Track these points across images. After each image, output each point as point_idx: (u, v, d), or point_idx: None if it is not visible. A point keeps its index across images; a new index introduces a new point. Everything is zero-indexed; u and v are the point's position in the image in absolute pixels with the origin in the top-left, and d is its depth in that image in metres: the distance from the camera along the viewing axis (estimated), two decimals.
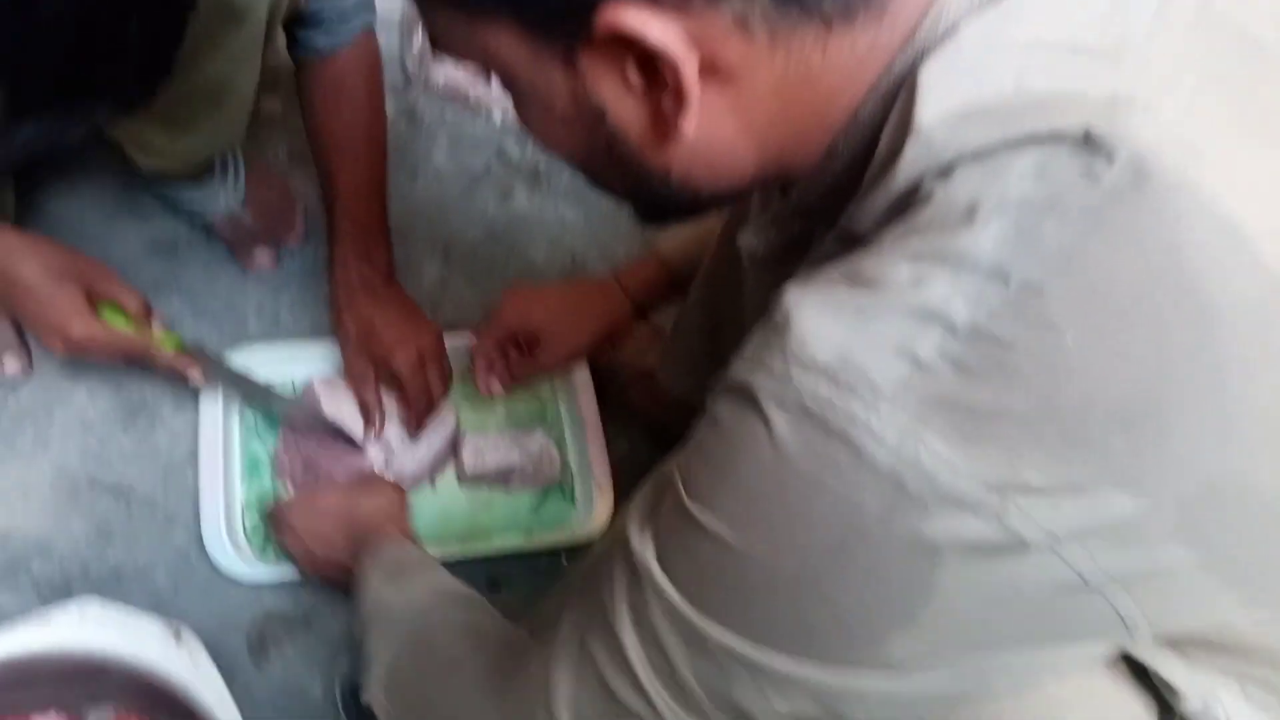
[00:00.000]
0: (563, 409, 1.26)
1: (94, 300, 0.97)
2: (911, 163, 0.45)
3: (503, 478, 1.17)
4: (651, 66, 0.45)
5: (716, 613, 0.49)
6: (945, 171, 0.44)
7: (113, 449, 1.12)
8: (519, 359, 1.15)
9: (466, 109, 1.52)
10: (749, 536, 0.46)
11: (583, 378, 1.24)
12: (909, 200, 0.46)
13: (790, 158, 0.52)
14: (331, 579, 1.00)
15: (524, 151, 1.51)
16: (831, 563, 0.45)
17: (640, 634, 0.52)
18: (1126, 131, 0.43)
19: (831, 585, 0.45)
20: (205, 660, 0.87)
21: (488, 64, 0.50)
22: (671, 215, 0.59)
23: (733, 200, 0.55)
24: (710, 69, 0.46)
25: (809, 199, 0.54)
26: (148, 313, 1.00)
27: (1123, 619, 0.46)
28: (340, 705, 1.02)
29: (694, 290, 1.04)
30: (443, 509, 1.16)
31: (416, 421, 1.15)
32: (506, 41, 0.48)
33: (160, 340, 1.01)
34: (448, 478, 1.19)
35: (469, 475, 1.16)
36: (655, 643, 0.51)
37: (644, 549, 0.51)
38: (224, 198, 1.25)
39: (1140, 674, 0.67)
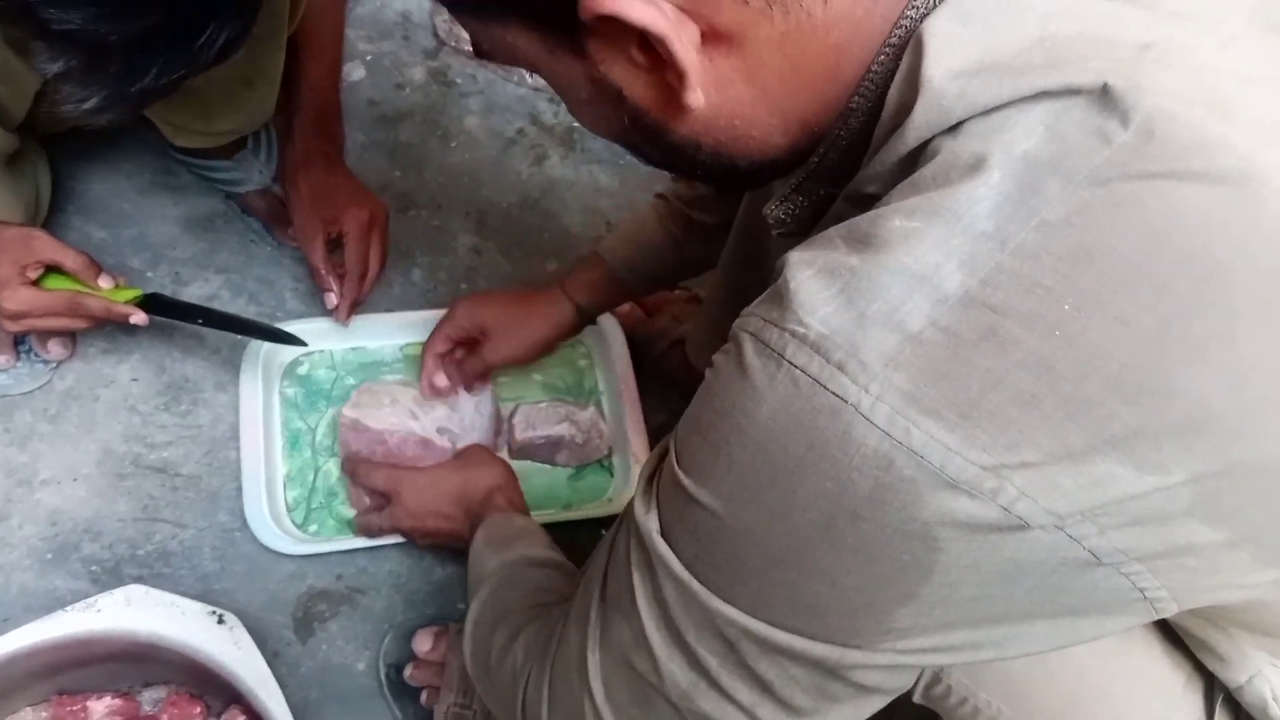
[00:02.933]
0: (600, 380, 1.25)
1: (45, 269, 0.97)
2: (922, 121, 0.44)
3: (551, 449, 1.17)
4: (652, 44, 0.45)
5: (719, 587, 0.48)
6: (954, 128, 0.43)
7: (156, 429, 1.14)
8: (466, 355, 1.14)
9: (499, 71, 1.50)
10: (739, 511, 0.46)
11: (620, 349, 1.23)
12: (917, 157, 0.45)
13: (815, 124, 0.50)
14: (441, 544, 1.06)
15: (557, 114, 1.48)
16: (822, 540, 0.44)
17: (655, 612, 0.52)
18: (1149, 84, 0.41)
19: (825, 561, 0.44)
20: (247, 642, 0.88)
21: (518, 62, 0.52)
22: (732, 186, 0.59)
23: (780, 171, 0.54)
24: (713, 36, 0.45)
25: (829, 161, 0.52)
26: (94, 270, 0.99)
27: (1144, 594, 0.45)
28: (384, 682, 1.03)
29: (719, 267, 1.03)
30: None
31: (353, 291, 1.16)
32: (523, 39, 0.49)
33: (113, 294, 1.00)
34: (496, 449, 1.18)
35: (518, 444, 1.16)
36: (669, 620, 0.51)
37: (648, 521, 0.51)
38: (257, 172, 1.26)
39: (1179, 643, 0.65)
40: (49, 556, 1.05)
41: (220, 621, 0.88)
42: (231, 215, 1.29)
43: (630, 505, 0.55)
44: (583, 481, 1.19)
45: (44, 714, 0.94)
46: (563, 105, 1.48)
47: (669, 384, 1.26)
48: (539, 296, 1.12)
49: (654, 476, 0.53)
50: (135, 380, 1.16)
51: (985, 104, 0.42)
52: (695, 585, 0.49)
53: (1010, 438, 0.40)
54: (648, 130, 0.52)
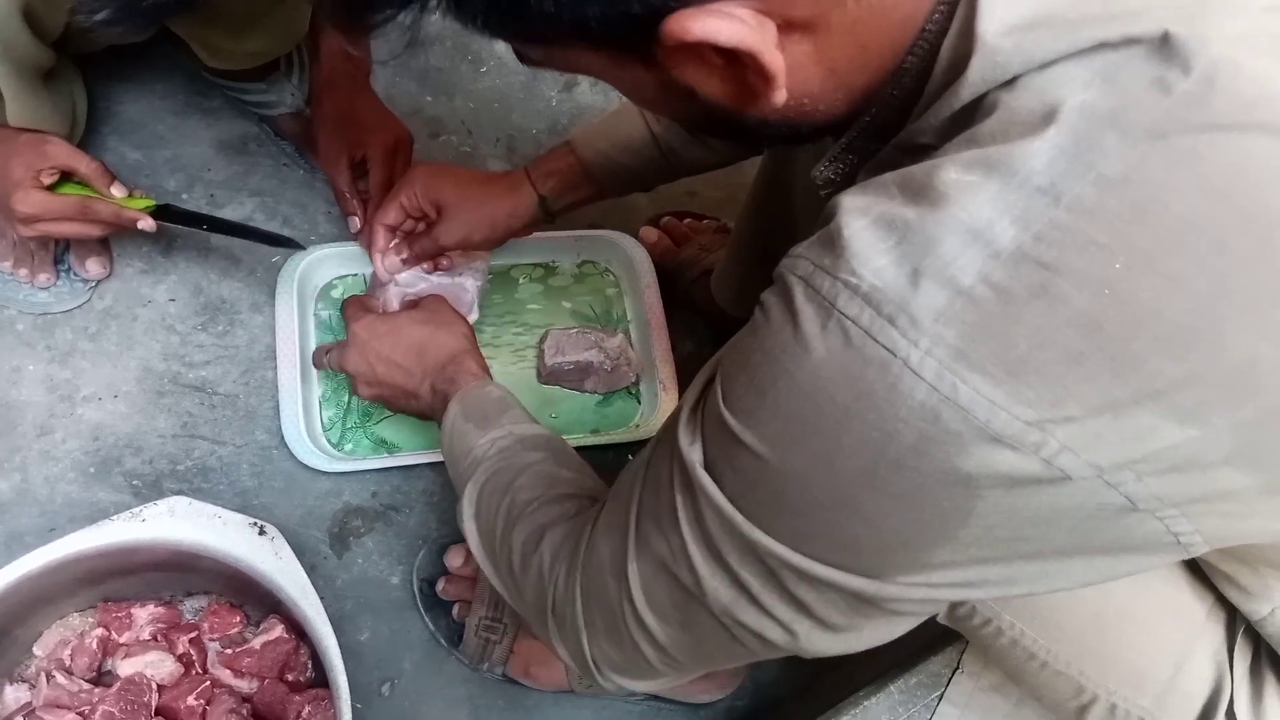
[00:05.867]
0: (629, 308, 1.26)
1: (59, 175, 0.99)
2: (978, 77, 0.43)
3: (580, 375, 1.19)
4: (729, 49, 0.45)
5: (761, 521, 0.50)
6: (1010, 83, 0.43)
7: (194, 348, 1.16)
8: (418, 233, 1.07)
9: None
10: (784, 455, 0.47)
11: (648, 277, 1.24)
12: (973, 111, 0.44)
13: (873, 89, 0.50)
14: (384, 399, 0.99)
15: None
16: (864, 486, 0.45)
17: (697, 534, 0.53)
18: (1212, 31, 0.40)
19: (866, 506, 0.46)
20: (288, 553, 0.91)
21: (578, 71, 0.53)
22: (793, 144, 0.60)
23: (838, 131, 0.54)
24: (786, 26, 0.45)
25: (880, 120, 0.52)
26: (107, 177, 1.00)
27: (1178, 538, 0.46)
28: (417, 595, 1.06)
29: (744, 215, 1.02)
30: None
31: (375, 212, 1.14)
32: (587, 57, 0.49)
33: (125, 202, 1.01)
34: (524, 375, 1.20)
35: (547, 369, 1.18)
36: (710, 542, 0.53)
37: (692, 453, 0.52)
38: (289, 95, 1.26)
39: (1203, 575, 0.66)
40: (92, 470, 1.08)
41: (261, 533, 0.91)
42: (264, 138, 1.30)
43: (670, 428, 0.55)
44: (610, 408, 1.20)
45: (90, 619, 0.98)
46: None
47: (696, 313, 1.27)
48: (501, 180, 1.04)
49: (697, 406, 0.54)
50: (173, 300, 1.18)
51: (1042, 58, 0.42)
52: (738, 518, 0.50)
53: (1055, 394, 0.41)
54: (719, 117, 0.52)
